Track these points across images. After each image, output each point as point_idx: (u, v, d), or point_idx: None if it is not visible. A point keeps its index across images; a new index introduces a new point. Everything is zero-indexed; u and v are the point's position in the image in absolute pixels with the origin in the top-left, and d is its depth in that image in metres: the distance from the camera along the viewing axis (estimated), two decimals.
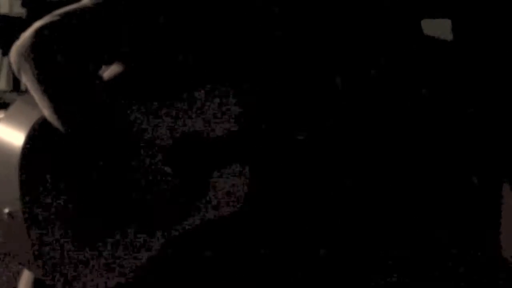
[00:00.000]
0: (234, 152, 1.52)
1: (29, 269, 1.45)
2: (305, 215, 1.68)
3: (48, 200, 1.37)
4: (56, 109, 1.34)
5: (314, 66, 1.66)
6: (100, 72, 1.47)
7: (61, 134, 1.37)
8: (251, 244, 1.61)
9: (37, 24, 1.37)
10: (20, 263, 1.48)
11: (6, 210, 1.39)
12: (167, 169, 1.44)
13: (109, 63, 1.46)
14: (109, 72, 1.48)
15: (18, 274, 1.56)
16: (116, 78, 1.46)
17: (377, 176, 1.75)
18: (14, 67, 1.38)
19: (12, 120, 1.42)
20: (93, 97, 1.37)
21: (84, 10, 1.39)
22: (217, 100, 1.49)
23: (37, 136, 1.36)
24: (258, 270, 1.63)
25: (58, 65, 1.35)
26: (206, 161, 1.49)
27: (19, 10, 5.50)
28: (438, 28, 1.79)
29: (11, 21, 5.30)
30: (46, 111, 1.35)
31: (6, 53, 5.32)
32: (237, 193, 1.52)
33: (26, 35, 1.37)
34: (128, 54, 1.43)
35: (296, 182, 1.66)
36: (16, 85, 5.43)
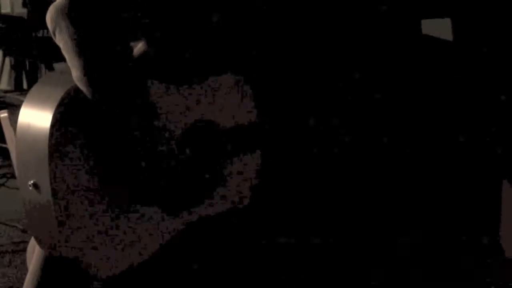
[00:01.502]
0: (247, 141, 1.53)
1: (45, 246, 1.46)
2: (312, 207, 1.69)
3: (74, 172, 1.39)
4: (87, 69, 1.36)
5: (317, 64, 1.66)
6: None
7: (88, 106, 1.39)
8: (258, 237, 1.62)
9: None
10: (38, 240, 1.48)
11: (31, 182, 1.40)
12: (185, 151, 1.46)
13: (138, 35, 1.47)
14: (135, 51, 1.49)
15: (16, 269, 1.56)
16: (141, 56, 1.48)
17: (378, 175, 1.75)
18: (50, 26, 1.40)
19: (37, 97, 1.44)
20: (123, 60, 1.39)
21: None
22: (231, 89, 1.50)
23: (67, 107, 1.38)
24: (265, 264, 1.63)
25: (94, 24, 1.38)
26: (219, 148, 1.50)
27: (20, 10, 5.50)
28: (438, 28, 1.79)
29: (12, 21, 5.30)
30: (76, 72, 1.37)
31: (7, 53, 5.32)
32: (249, 183, 1.53)
33: None
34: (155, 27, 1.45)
35: (306, 175, 1.67)
36: (17, 85, 5.43)
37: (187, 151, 1.47)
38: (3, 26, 5.24)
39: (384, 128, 1.74)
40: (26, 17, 5.16)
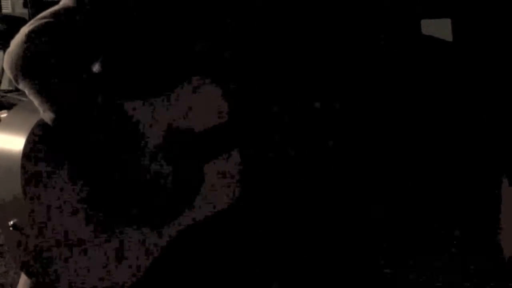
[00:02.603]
0: (223, 142, 1.52)
1: (33, 277, 1.44)
2: (300, 210, 1.68)
3: (55, 205, 1.36)
4: (57, 112, 1.35)
5: (313, 64, 1.66)
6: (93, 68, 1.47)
7: (59, 140, 1.37)
8: (247, 240, 1.61)
9: (26, 30, 1.37)
10: (27, 274, 1.46)
11: (11, 222, 1.37)
12: (162, 163, 1.44)
13: (99, 59, 1.46)
14: (98, 67, 1.48)
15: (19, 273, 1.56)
16: (107, 73, 1.46)
17: (377, 175, 1.75)
18: (10, 75, 1.38)
19: (9, 127, 1.42)
20: (90, 94, 1.37)
21: (68, 10, 1.39)
22: (204, 93, 1.49)
23: (36, 142, 1.36)
24: (256, 266, 1.63)
25: (53, 67, 1.35)
26: (198, 153, 1.49)
27: (21, 11, 5.50)
28: (438, 28, 1.80)
29: (13, 21, 5.30)
30: (47, 115, 1.36)
31: None
32: (231, 186, 1.53)
33: (18, 42, 1.36)
34: (116, 48, 1.43)
35: (290, 177, 1.67)
36: None
37: (167, 159, 1.46)
38: (4, 26, 5.25)
39: (383, 128, 1.74)
40: (27, 18, 5.17)
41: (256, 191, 1.60)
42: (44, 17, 1.39)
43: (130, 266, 1.44)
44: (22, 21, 5.04)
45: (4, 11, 5.73)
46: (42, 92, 1.35)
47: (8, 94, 5.17)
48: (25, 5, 5.32)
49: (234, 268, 1.60)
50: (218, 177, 1.51)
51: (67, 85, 1.35)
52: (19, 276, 1.53)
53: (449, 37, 1.80)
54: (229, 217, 1.54)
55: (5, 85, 5.53)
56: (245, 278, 1.62)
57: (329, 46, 1.70)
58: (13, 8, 5.70)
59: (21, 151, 1.35)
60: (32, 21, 1.39)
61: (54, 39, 1.36)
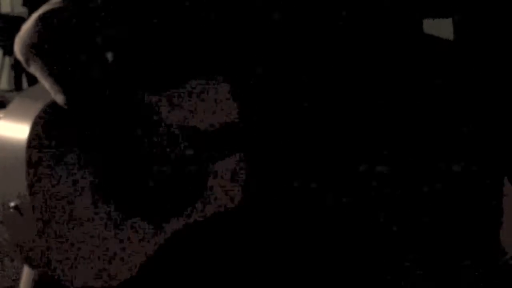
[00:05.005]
0: (231, 143, 1.52)
1: (33, 266, 1.44)
2: (305, 210, 1.68)
3: (57, 192, 1.37)
4: (69, 94, 1.35)
5: (313, 63, 1.66)
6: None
7: (67, 123, 1.38)
8: (251, 241, 1.61)
9: (39, 13, 1.37)
10: (25, 261, 1.47)
11: (12, 204, 1.38)
12: (168, 158, 1.45)
13: (112, 47, 1.47)
14: (110, 56, 1.48)
15: (15, 272, 1.55)
16: (119, 61, 1.47)
17: (376, 174, 1.75)
18: (21, 58, 1.38)
19: (14, 113, 1.41)
20: (104, 79, 1.37)
21: None
22: (213, 90, 1.49)
23: (42, 126, 1.34)
24: (258, 268, 1.63)
25: (66, 51, 1.36)
26: (203, 152, 1.49)
27: (20, 10, 5.51)
28: (440, 27, 1.79)
29: (12, 20, 5.31)
30: (59, 98, 1.35)
31: (7, 52, 5.33)
32: (237, 187, 1.52)
33: (29, 26, 1.37)
34: (128, 38, 1.44)
35: (296, 177, 1.67)
36: (17, 85, 5.44)
37: (175, 155, 1.46)
38: (3, 25, 5.26)
39: (383, 128, 1.74)
40: (26, 17, 5.18)
41: (261, 193, 1.60)
42: (55, 3, 1.40)
43: (132, 261, 1.44)
44: (21, 20, 5.03)
45: (3, 10, 5.74)
46: (53, 74, 1.36)
47: (8, 94, 5.18)
48: (24, 4, 5.33)
49: (236, 268, 1.60)
50: (223, 177, 1.51)
51: (78, 68, 1.36)
52: (18, 276, 1.53)
53: (450, 37, 1.80)
54: (232, 218, 1.54)
55: (4, 85, 5.54)
56: (247, 278, 1.62)
57: (330, 45, 1.70)
58: (12, 7, 5.71)
59: (26, 137, 1.35)
60: (45, 5, 1.40)
61: (64, 22, 1.37)
